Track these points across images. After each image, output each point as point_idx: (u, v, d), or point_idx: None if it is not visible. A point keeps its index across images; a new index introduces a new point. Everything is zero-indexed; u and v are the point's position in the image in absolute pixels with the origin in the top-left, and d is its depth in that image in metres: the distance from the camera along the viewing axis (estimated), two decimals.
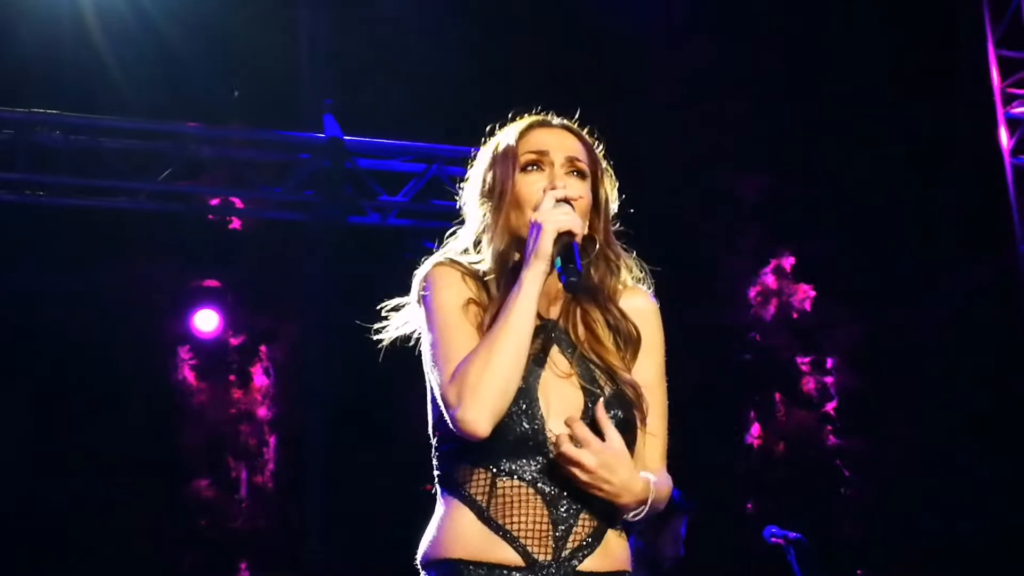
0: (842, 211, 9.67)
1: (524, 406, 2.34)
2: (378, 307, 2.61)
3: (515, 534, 2.31)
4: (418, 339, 2.53)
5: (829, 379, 10.03)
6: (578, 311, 2.51)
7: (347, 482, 9.26)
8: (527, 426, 2.33)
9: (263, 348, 9.60)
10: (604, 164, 2.57)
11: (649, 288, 2.60)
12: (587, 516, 2.35)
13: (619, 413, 2.39)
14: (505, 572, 2.31)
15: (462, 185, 2.63)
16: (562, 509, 2.33)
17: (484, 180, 2.55)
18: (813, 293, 10.00)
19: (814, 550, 5.61)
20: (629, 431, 2.40)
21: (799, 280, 10.04)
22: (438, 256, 2.54)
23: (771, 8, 9.31)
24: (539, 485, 2.33)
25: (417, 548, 2.43)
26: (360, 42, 9.20)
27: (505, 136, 2.56)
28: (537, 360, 2.39)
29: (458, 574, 2.32)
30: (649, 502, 2.35)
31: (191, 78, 8.95)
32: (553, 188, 2.42)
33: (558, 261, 2.34)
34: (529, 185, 2.47)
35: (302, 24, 9.29)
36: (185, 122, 8.53)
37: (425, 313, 2.45)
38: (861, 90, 9.49)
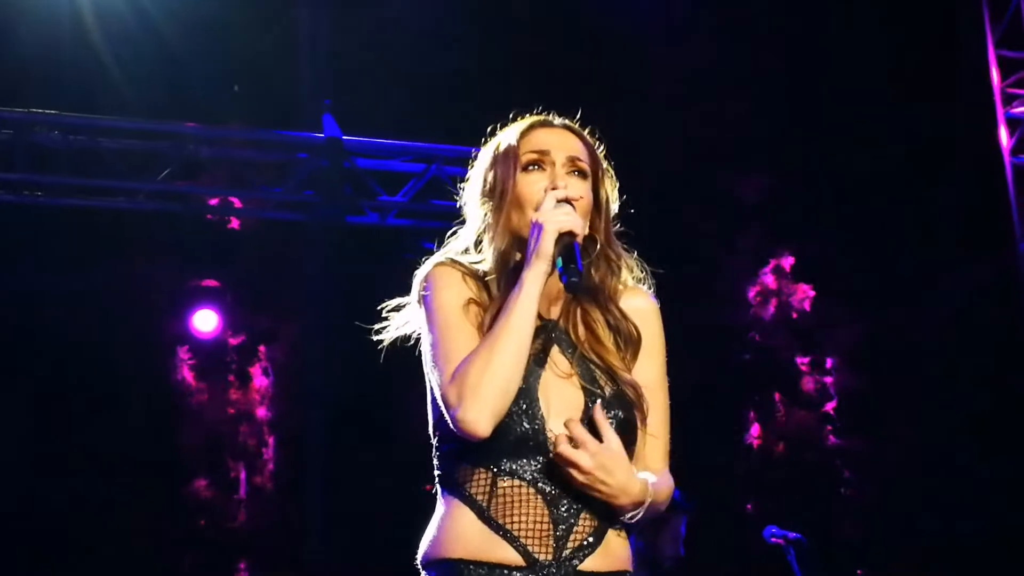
0: (842, 211, 9.67)
1: (524, 406, 2.33)
2: (378, 307, 2.61)
3: (516, 534, 2.31)
4: (418, 339, 2.53)
5: (829, 379, 10.03)
6: (578, 311, 2.50)
7: (347, 482, 9.27)
8: (527, 426, 2.33)
9: (262, 348, 9.61)
10: (605, 164, 2.57)
11: (650, 288, 2.60)
12: (588, 516, 2.34)
13: (619, 413, 2.39)
14: (506, 572, 2.31)
15: (462, 185, 2.63)
16: (563, 509, 2.33)
17: (485, 180, 2.54)
18: (813, 293, 10.01)
19: (814, 550, 5.61)
20: (629, 431, 2.40)
21: (799, 280, 10.05)
22: (439, 256, 2.54)
23: (771, 8, 9.31)
24: (539, 485, 2.33)
25: (417, 548, 2.43)
26: (360, 42, 9.20)
27: (506, 136, 2.55)
28: (538, 360, 2.39)
29: (459, 574, 2.32)
30: (646, 504, 2.34)
31: (191, 78, 8.95)
32: (554, 188, 2.42)
33: (559, 261, 2.34)
34: (530, 185, 2.46)
35: (302, 24, 9.29)
36: (184, 122, 8.53)
37: (425, 313, 2.45)
38: (861, 90, 9.49)
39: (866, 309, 9.77)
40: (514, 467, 2.34)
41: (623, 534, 2.41)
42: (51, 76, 8.63)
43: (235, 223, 9.44)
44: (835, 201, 9.67)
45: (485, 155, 2.58)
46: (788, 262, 10.04)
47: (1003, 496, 9.16)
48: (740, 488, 9.81)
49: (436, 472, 2.44)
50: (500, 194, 2.49)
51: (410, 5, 9.08)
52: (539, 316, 2.37)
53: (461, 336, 2.37)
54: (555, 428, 2.34)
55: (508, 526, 2.32)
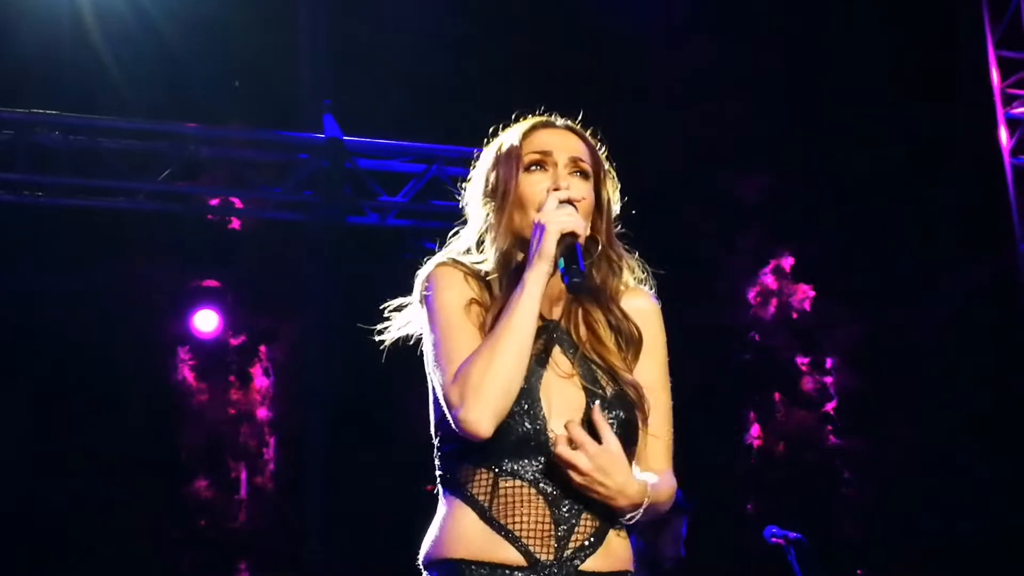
0: (842, 211, 9.68)
1: (526, 406, 2.34)
2: (378, 307, 2.61)
3: (517, 534, 2.31)
4: (419, 339, 2.53)
5: (829, 379, 10.03)
6: (580, 312, 2.51)
7: (347, 482, 9.26)
8: (529, 426, 2.33)
9: (263, 348, 9.60)
10: (606, 165, 2.58)
11: (651, 289, 2.60)
12: (589, 516, 2.35)
13: (621, 414, 2.39)
14: (507, 572, 2.31)
15: (463, 185, 2.63)
16: (564, 509, 2.33)
17: (487, 180, 2.55)
18: (813, 293, 10.01)
19: (814, 550, 5.61)
20: (631, 431, 2.40)
21: (799, 280, 10.04)
22: (440, 256, 2.54)
23: (771, 8, 9.32)
24: (541, 485, 2.33)
25: (417, 548, 2.43)
26: (360, 42, 9.20)
27: (509, 136, 2.56)
28: (539, 360, 2.39)
29: (460, 574, 2.32)
30: (645, 505, 2.34)
31: (191, 78, 8.95)
32: (557, 189, 2.42)
33: (561, 262, 2.34)
34: (533, 185, 2.47)
35: (302, 24, 9.29)
36: (184, 122, 8.53)
37: (427, 313, 2.45)
38: (861, 90, 9.50)
39: (866, 309, 9.77)
40: (515, 467, 2.34)
41: (624, 534, 2.41)
42: (51, 76, 8.64)
43: (235, 223, 9.44)
44: (835, 201, 9.68)
45: (487, 155, 2.58)
46: (788, 262, 10.04)
47: (1003, 496, 9.16)
48: (740, 488, 9.81)
49: (437, 472, 2.44)
50: (502, 194, 2.49)
51: (410, 5, 9.08)
52: (541, 316, 2.37)
53: (463, 336, 2.37)
54: (556, 428, 2.34)
55: (510, 526, 2.32)
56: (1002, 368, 9.23)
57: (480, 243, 2.54)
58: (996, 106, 8.98)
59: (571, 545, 2.33)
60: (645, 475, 2.42)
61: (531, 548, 2.31)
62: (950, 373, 9.41)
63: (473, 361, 2.29)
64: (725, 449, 9.80)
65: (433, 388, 2.42)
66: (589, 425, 2.33)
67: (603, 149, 2.58)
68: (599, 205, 2.52)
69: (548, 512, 2.33)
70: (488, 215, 2.53)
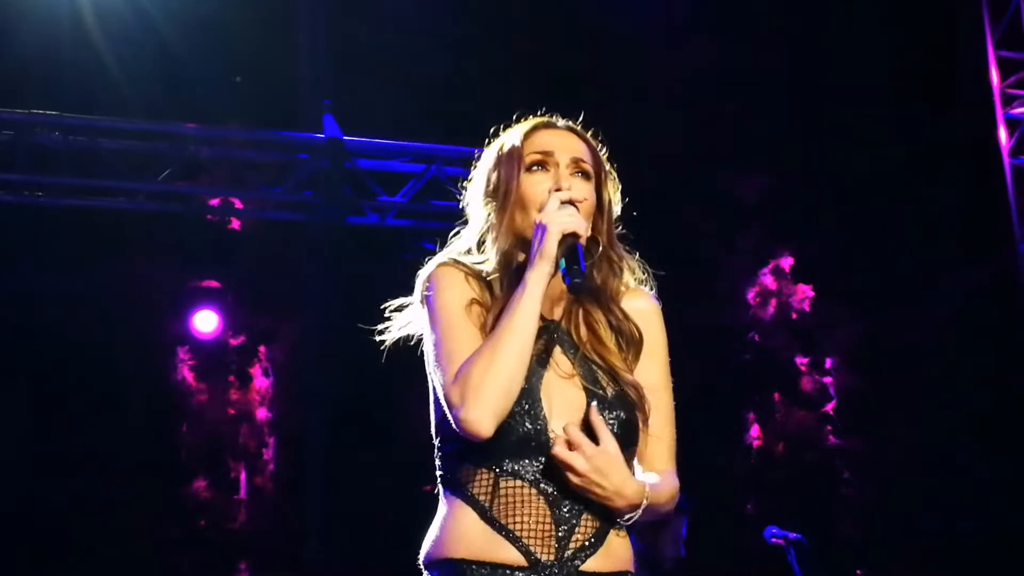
0: (842, 211, 9.67)
1: (527, 406, 2.34)
2: (378, 307, 2.61)
3: (518, 534, 2.32)
4: (419, 339, 2.54)
5: (828, 379, 10.03)
6: (580, 312, 2.51)
7: (347, 482, 9.26)
8: (530, 426, 2.34)
9: (263, 348, 9.60)
10: (608, 167, 2.58)
11: (652, 289, 2.61)
12: (589, 516, 2.35)
13: (621, 414, 2.39)
14: (508, 572, 2.31)
15: (463, 185, 2.63)
16: (564, 509, 2.34)
17: (489, 180, 2.55)
18: (812, 293, 10.00)
19: (814, 550, 5.61)
20: (631, 432, 2.41)
21: (798, 280, 10.04)
22: (441, 256, 2.54)
23: (771, 8, 9.31)
24: (541, 485, 2.34)
25: (417, 548, 2.43)
26: (360, 42, 9.20)
27: (510, 137, 2.56)
28: (540, 361, 2.40)
29: (461, 574, 2.32)
30: (643, 506, 2.34)
31: (191, 78, 8.96)
32: (558, 190, 2.42)
33: (562, 262, 2.35)
34: (534, 185, 2.47)
35: (302, 24, 9.28)
36: (184, 122, 8.53)
37: (428, 313, 2.45)
38: (861, 90, 9.49)
39: (866, 309, 9.76)
40: (516, 467, 2.34)
41: (624, 534, 2.42)
42: (51, 76, 8.64)
43: (235, 223, 9.44)
44: (835, 201, 9.67)
45: (489, 156, 2.58)
46: (788, 262, 10.04)
47: (1003, 496, 9.16)
48: (740, 488, 9.80)
49: (438, 472, 2.45)
50: (504, 194, 2.49)
51: (410, 5, 9.08)
52: (541, 317, 2.37)
53: (464, 336, 2.38)
54: (557, 429, 2.34)
55: (510, 526, 2.32)
56: (1002, 368, 9.23)
57: (481, 243, 2.55)
58: (996, 106, 8.99)
59: (572, 545, 2.33)
60: (645, 476, 2.43)
61: (532, 548, 2.31)
62: (950, 373, 9.41)
63: (474, 361, 2.29)
64: (725, 449, 9.80)
65: (434, 388, 2.42)
66: (589, 426, 2.34)
67: (604, 150, 2.59)
68: (600, 206, 2.52)
69: (549, 512, 2.33)
70: (489, 215, 2.53)
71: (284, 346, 9.64)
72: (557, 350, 2.44)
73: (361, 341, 2.65)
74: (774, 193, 9.83)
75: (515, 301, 2.33)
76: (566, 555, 2.33)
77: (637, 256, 2.60)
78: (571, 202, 2.40)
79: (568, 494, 2.33)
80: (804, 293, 9.99)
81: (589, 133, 2.59)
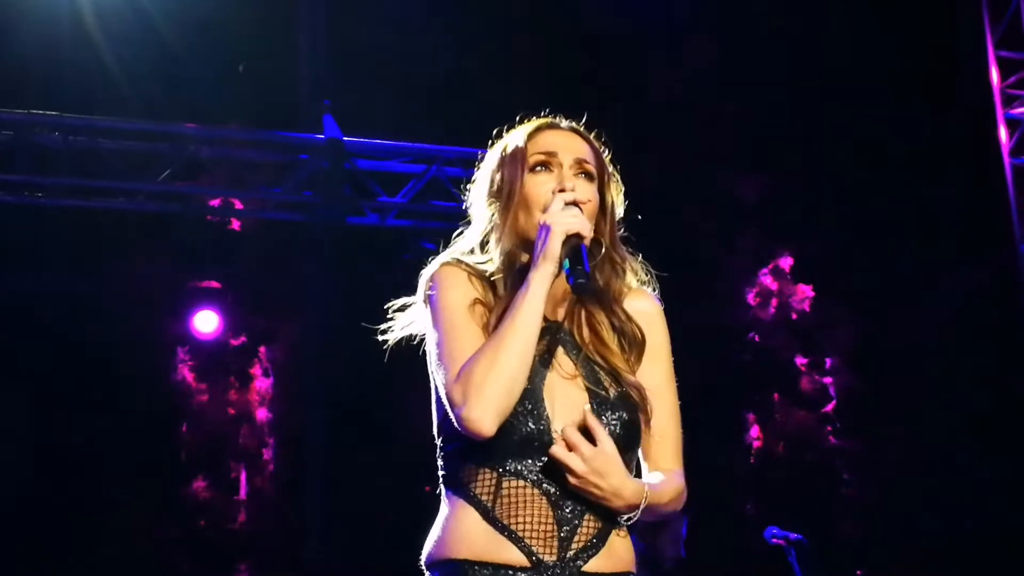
0: (842, 211, 9.68)
1: (530, 406, 2.34)
2: (378, 307, 2.61)
3: (520, 534, 2.32)
4: (419, 339, 2.54)
5: (828, 379, 10.03)
6: (583, 313, 2.51)
7: (347, 482, 9.26)
8: (533, 426, 2.34)
9: (262, 349, 9.60)
10: (611, 168, 2.59)
11: (654, 291, 2.61)
12: (592, 517, 2.35)
13: (624, 415, 2.39)
14: (510, 572, 2.31)
15: (465, 186, 2.63)
16: (567, 510, 2.34)
17: (492, 181, 2.55)
18: (812, 293, 10.00)
19: (814, 551, 5.61)
20: (634, 433, 2.41)
21: (798, 280, 10.04)
22: (445, 256, 2.54)
23: (771, 8, 9.31)
24: (544, 486, 2.34)
25: (417, 548, 2.43)
26: (360, 42, 9.20)
27: (514, 137, 2.56)
28: (543, 361, 2.40)
29: (463, 574, 2.32)
30: (643, 506, 2.35)
31: (191, 78, 8.95)
32: (562, 190, 2.43)
33: (566, 263, 2.35)
34: (538, 186, 2.47)
35: (302, 24, 9.28)
36: (184, 123, 8.53)
37: (431, 312, 2.45)
38: (861, 90, 9.50)
39: (866, 309, 9.77)
40: (519, 467, 2.34)
41: (625, 534, 2.42)
42: (51, 76, 8.63)
43: (235, 224, 9.44)
44: (835, 201, 9.68)
45: (492, 156, 2.58)
46: (787, 262, 10.04)
47: (1003, 496, 9.16)
48: (740, 488, 9.81)
49: (440, 472, 2.45)
50: (507, 195, 2.49)
51: (410, 5, 9.08)
52: (544, 318, 2.37)
53: (467, 335, 2.38)
54: (559, 429, 2.34)
55: (513, 527, 2.32)
56: (1002, 368, 9.23)
57: (484, 244, 2.55)
58: (996, 106, 8.99)
59: (574, 546, 2.33)
60: (649, 476, 2.44)
61: (534, 549, 2.31)
62: (950, 373, 9.41)
63: (477, 360, 2.30)
64: (725, 449, 9.80)
65: (436, 387, 2.42)
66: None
67: (607, 153, 2.59)
68: (603, 207, 2.52)
69: (551, 513, 2.33)
70: (493, 215, 2.53)
71: (284, 346, 9.64)
72: (560, 351, 2.45)
73: (361, 341, 2.65)
74: (774, 193, 9.84)
75: (518, 301, 2.33)
76: (568, 555, 2.33)
77: (640, 257, 2.60)
78: (575, 203, 2.40)
79: (570, 494, 2.33)
80: (804, 293, 10.00)
81: (592, 134, 2.59)
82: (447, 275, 2.46)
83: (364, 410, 9.12)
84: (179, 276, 9.31)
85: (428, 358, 2.45)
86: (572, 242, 2.35)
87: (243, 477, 9.45)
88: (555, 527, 2.33)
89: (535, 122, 2.58)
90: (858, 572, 9.27)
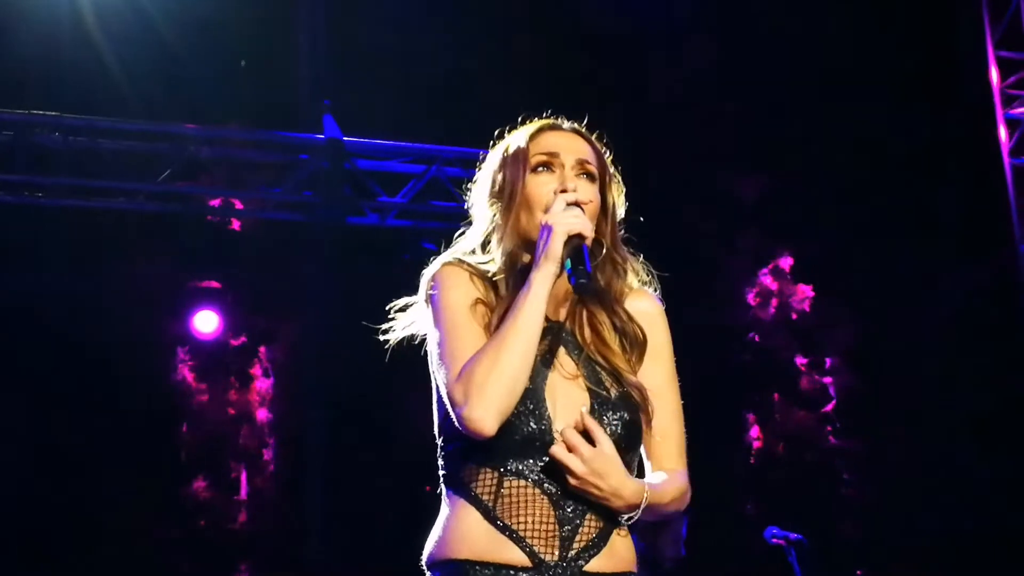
0: (842, 211, 9.68)
1: (531, 406, 2.34)
2: (377, 307, 2.61)
3: (522, 534, 2.32)
4: (420, 339, 2.54)
5: (828, 379, 10.03)
6: (584, 313, 2.52)
7: (347, 482, 9.26)
8: (534, 426, 2.34)
9: (263, 349, 9.60)
10: (612, 169, 2.59)
11: (656, 291, 2.61)
12: (593, 517, 2.35)
13: (625, 415, 2.40)
14: (512, 572, 2.31)
15: (467, 186, 2.63)
16: (568, 509, 2.34)
17: (494, 181, 2.55)
18: (812, 293, 10.01)
19: (814, 551, 5.61)
20: (634, 433, 2.42)
21: (798, 280, 10.04)
22: (446, 256, 2.55)
23: (771, 8, 9.31)
24: (545, 485, 2.34)
25: (417, 548, 2.43)
26: (360, 42, 9.20)
27: (515, 138, 2.57)
28: (544, 361, 2.40)
29: (464, 574, 2.32)
30: (643, 506, 2.35)
31: (191, 78, 8.95)
32: (564, 191, 2.43)
33: (568, 263, 2.35)
34: (540, 186, 2.48)
35: (302, 24, 9.28)
36: (184, 123, 8.53)
37: (433, 312, 2.45)
38: (861, 90, 9.50)
39: (866, 309, 9.77)
40: (520, 467, 2.34)
41: (626, 534, 2.42)
42: (51, 76, 8.63)
43: (235, 224, 9.44)
44: (835, 201, 9.68)
45: (494, 157, 2.59)
46: (787, 262, 10.04)
47: (1003, 496, 9.16)
48: (740, 488, 9.81)
49: (441, 472, 2.45)
50: (509, 195, 2.50)
51: (410, 5, 9.08)
52: (546, 318, 2.38)
53: (468, 335, 2.38)
54: (561, 429, 2.34)
55: (514, 526, 2.32)
56: (1002, 368, 9.23)
57: (486, 244, 2.55)
58: (996, 106, 8.99)
59: (575, 546, 2.33)
60: (652, 476, 2.44)
61: (536, 549, 2.31)
62: (950, 373, 9.41)
63: (478, 359, 2.30)
64: (725, 449, 9.80)
65: (437, 387, 2.42)
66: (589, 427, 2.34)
67: (608, 154, 2.59)
68: (604, 208, 2.53)
69: (552, 512, 2.33)
70: (494, 216, 2.53)
71: (284, 346, 9.64)
72: (561, 351, 2.45)
73: (361, 341, 2.66)
74: (774, 193, 9.84)
75: (520, 301, 2.33)
76: (570, 555, 2.33)
77: (641, 258, 2.60)
78: (577, 204, 2.41)
79: (571, 494, 2.33)
80: (804, 293, 10.00)
81: (594, 135, 2.60)
82: (449, 275, 2.47)
83: (364, 410, 9.12)
84: (179, 276, 9.30)
85: (429, 358, 2.45)
86: (574, 242, 2.35)
87: (243, 477, 9.45)
88: (556, 527, 2.33)
89: (537, 123, 2.59)
90: (858, 572, 9.27)
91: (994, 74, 8.99)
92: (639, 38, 9.39)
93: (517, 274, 2.45)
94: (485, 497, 2.34)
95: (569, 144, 2.52)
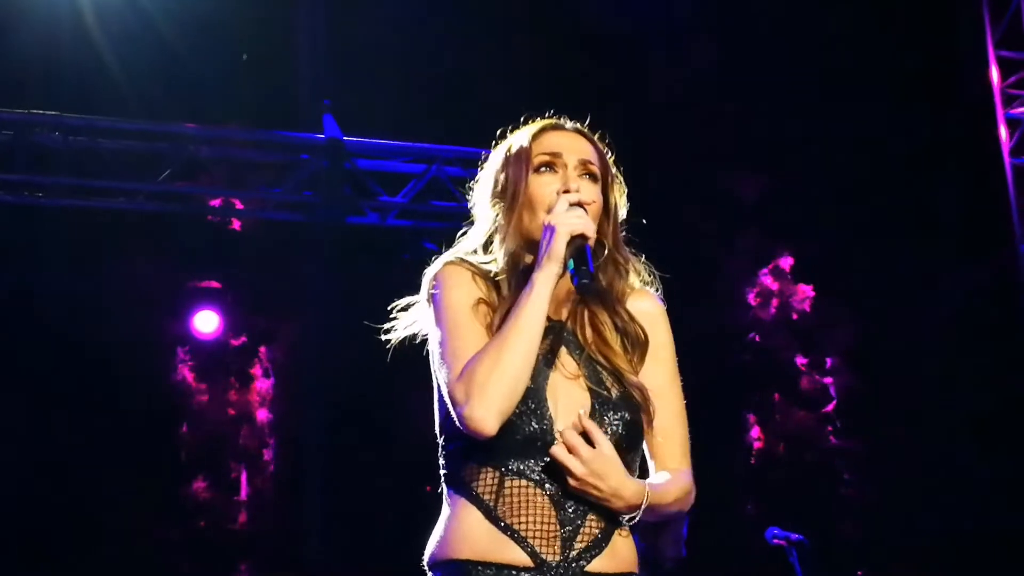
0: (842, 211, 9.67)
1: (533, 406, 2.34)
2: (378, 307, 2.61)
3: (523, 534, 2.32)
4: (420, 339, 2.54)
5: (828, 379, 10.03)
6: (586, 314, 2.52)
7: (347, 482, 9.26)
8: (536, 426, 2.34)
9: (263, 349, 9.60)
10: (614, 170, 2.59)
11: (657, 291, 2.61)
12: (594, 517, 2.35)
13: (626, 415, 2.40)
14: (513, 573, 2.31)
15: (468, 185, 2.63)
16: (569, 510, 2.34)
17: (496, 181, 2.55)
18: (812, 293, 10.01)
19: (815, 551, 5.61)
20: (636, 433, 2.41)
21: (798, 280, 10.04)
22: (448, 255, 2.55)
23: (771, 8, 9.31)
24: (546, 485, 2.34)
25: (417, 548, 2.43)
26: (360, 42, 9.20)
27: (518, 138, 2.57)
28: (546, 361, 2.40)
29: (466, 575, 2.32)
30: (644, 506, 2.35)
31: (191, 78, 8.95)
32: (567, 191, 2.43)
33: (570, 263, 2.35)
34: (542, 186, 2.48)
35: (302, 24, 9.28)
36: (184, 122, 8.53)
37: (434, 311, 2.45)
38: (861, 90, 9.49)
39: (866, 309, 9.77)
40: (521, 467, 2.34)
41: (627, 534, 2.42)
42: (51, 76, 8.63)
43: (235, 224, 9.44)
44: (835, 201, 9.67)
45: (496, 157, 2.58)
46: (788, 262, 10.04)
47: (1003, 496, 9.16)
48: (740, 488, 9.80)
49: (442, 472, 2.45)
50: (512, 195, 2.50)
51: (410, 5, 9.08)
52: (548, 317, 2.38)
53: (470, 335, 2.38)
54: (562, 429, 2.34)
55: (515, 526, 2.32)
56: (1002, 368, 9.23)
57: (488, 244, 2.55)
58: (996, 106, 8.98)
59: (577, 546, 2.33)
60: (655, 476, 2.44)
61: (537, 549, 2.31)
62: (950, 373, 9.41)
63: (480, 359, 2.30)
64: (725, 449, 9.80)
65: (438, 386, 2.42)
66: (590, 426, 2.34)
67: (611, 154, 2.59)
68: (606, 208, 2.52)
69: (554, 513, 2.33)
70: (497, 216, 2.53)
71: (284, 346, 9.64)
72: (563, 351, 2.45)
73: (361, 341, 2.66)
74: (774, 193, 9.84)
75: (522, 301, 2.33)
76: (571, 555, 2.33)
77: (643, 259, 2.60)
78: (579, 204, 2.41)
79: (572, 495, 2.33)
80: (804, 293, 10.00)
81: (596, 136, 2.60)
82: (451, 274, 2.47)
83: (364, 410, 9.12)
84: (179, 276, 9.30)
85: (431, 357, 2.45)
86: (576, 243, 2.35)
87: (243, 477, 9.45)
88: (557, 527, 2.33)
89: (539, 123, 2.59)
90: (858, 572, 9.27)
91: (994, 74, 8.99)
92: (639, 38, 9.39)
93: (519, 274, 2.45)
94: (486, 497, 2.34)
95: (572, 144, 2.52)
